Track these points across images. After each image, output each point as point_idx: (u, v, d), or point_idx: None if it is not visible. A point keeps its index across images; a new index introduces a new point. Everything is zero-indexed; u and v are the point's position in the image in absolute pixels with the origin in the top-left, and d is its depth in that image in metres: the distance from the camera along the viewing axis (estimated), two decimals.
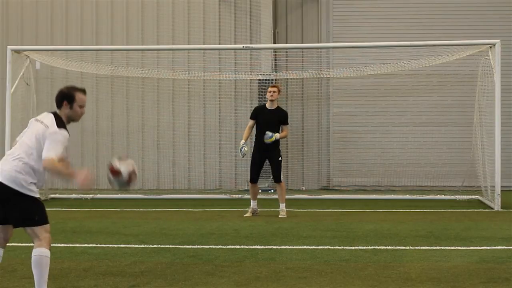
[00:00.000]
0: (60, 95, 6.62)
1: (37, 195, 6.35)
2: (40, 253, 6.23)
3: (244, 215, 12.51)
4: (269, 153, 12.37)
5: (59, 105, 6.62)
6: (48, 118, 6.48)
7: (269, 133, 12.16)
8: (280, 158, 12.42)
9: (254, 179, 12.51)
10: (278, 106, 12.56)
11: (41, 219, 6.30)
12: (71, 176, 6.39)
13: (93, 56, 17.13)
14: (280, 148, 12.50)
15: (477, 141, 15.14)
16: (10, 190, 6.19)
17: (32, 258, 6.24)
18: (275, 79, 17.27)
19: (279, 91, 12.52)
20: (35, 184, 6.31)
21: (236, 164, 17.71)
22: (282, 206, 12.50)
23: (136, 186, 17.76)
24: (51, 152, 6.27)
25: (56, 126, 6.39)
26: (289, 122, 12.64)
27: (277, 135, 12.22)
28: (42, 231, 6.29)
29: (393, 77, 17.31)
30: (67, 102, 6.60)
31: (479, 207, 14.02)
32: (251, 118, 12.57)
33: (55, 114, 6.58)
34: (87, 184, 6.37)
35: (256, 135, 12.50)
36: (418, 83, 17.53)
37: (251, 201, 12.64)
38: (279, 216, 12.34)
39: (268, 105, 12.47)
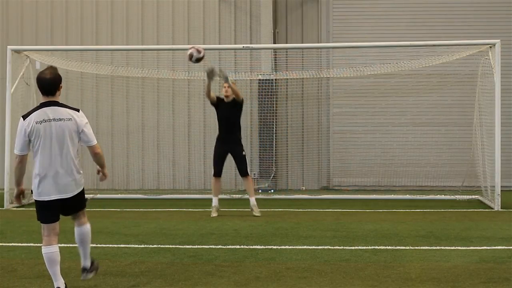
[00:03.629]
0: (57, 79, 6.59)
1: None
2: (87, 228, 6.98)
3: (211, 215, 12.49)
4: (232, 147, 12.51)
5: (55, 90, 6.58)
6: (62, 111, 6.52)
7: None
8: (244, 152, 12.56)
9: (218, 172, 12.57)
10: (233, 98, 12.71)
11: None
12: (104, 163, 6.99)
13: (93, 56, 17.13)
14: (242, 143, 12.72)
15: (477, 141, 15.14)
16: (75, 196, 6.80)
17: (80, 232, 6.92)
18: (275, 79, 17.28)
19: (233, 84, 12.64)
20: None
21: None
22: (253, 201, 12.54)
23: (136, 186, 17.82)
24: (93, 138, 6.78)
25: (78, 112, 6.65)
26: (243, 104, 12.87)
27: (228, 77, 12.37)
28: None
29: (393, 77, 17.30)
30: (61, 84, 6.67)
31: (479, 207, 14.02)
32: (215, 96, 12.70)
33: (58, 103, 6.56)
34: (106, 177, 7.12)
35: (219, 129, 12.65)
36: (418, 83, 17.52)
37: (213, 198, 12.62)
38: (254, 214, 12.39)
39: (225, 100, 12.68)
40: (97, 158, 6.89)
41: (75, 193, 6.72)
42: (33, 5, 18.48)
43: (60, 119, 6.45)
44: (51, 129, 6.44)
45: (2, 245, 9.54)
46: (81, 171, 6.80)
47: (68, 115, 6.50)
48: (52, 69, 6.67)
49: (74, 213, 6.99)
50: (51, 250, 6.69)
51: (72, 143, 6.53)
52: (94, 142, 6.76)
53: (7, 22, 18.55)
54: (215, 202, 12.63)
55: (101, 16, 18.32)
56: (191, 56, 11.60)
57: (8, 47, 15.07)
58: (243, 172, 12.55)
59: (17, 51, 15.02)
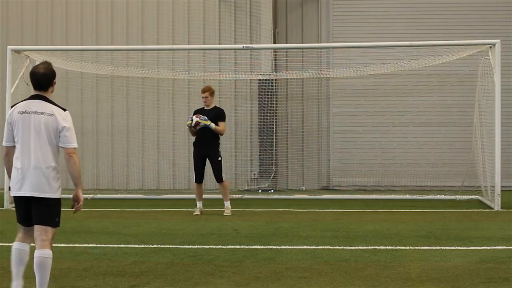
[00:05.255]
0: (50, 74, 6.32)
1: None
2: (46, 255, 6.21)
3: (194, 214, 12.74)
4: (209, 153, 12.61)
5: (48, 86, 6.31)
6: (46, 106, 6.25)
7: (204, 117, 12.41)
8: (219, 158, 12.58)
9: (198, 179, 12.76)
10: (214, 106, 12.78)
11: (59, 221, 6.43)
12: (80, 178, 6.41)
13: (93, 56, 17.12)
14: (219, 149, 12.64)
15: (477, 141, 15.14)
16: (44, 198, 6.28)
17: (38, 260, 6.17)
18: (275, 79, 17.28)
19: (211, 94, 12.71)
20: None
21: (236, 164, 17.71)
22: (227, 204, 12.75)
23: (136, 186, 17.82)
24: (74, 141, 6.28)
25: (63, 112, 6.29)
26: (226, 120, 12.77)
27: (212, 124, 12.36)
28: (53, 232, 6.35)
29: (393, 77, 17.30)
30: (55, 80, 6.41)
31: (479, 207, 14.01)
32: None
33: (46, 99, 6.29)
34: (81, 206, 6.52)
35: (196, 136, 12.73)
36: (418, 83, 17.52)
37: (197, 202, 12.83)
38: (224, 214, 12.58)
39: (205, 107, 12.72)
40: (71, 164, 6.25)
41: (48, 195, 6.21)
42: (33, 5, 18.48)
43: (42, 113, 6.18)
44: (30, 122, 6.18)
45: (2, 245, 9.53)
46: (59, 174, 6.30)
47: (50, 111, 6.22)
48: (47, 64, 6.44)
49: (40, 223, 6.25)
50: (20, 247, 6.30)
51: (49, 139, 6.19)
52: (72, 145, 6.24)
53: (7, 22, 18.54)
54: (199, 205, 12.85)
55: (101, 16, 18.32)
56: (197, 124, 12.38)
57: (8, 47, 15.07)
58: (218, 178, 12.68)
59: (17, 51, 15.01)
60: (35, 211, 6.25)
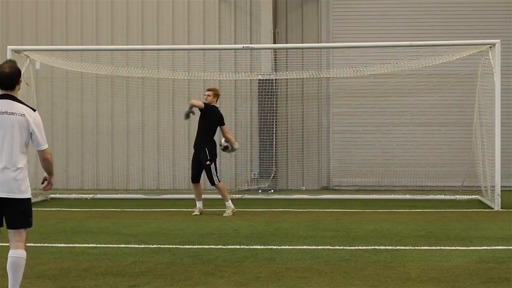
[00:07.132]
0: (16, 73, 6.28)
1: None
2: (20, 255, 6.19)
3: (193, 214, 12.73)
4: (199, 156, 12.67)
5: (15, 85, 6.27)
6: (16, 106, 6.20)
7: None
8: (207, 162, 12.51)
9: (192, 178, 12.81)
10: (213, 106, 12.82)
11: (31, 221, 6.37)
12: (53, 170, 6.48)
13: (93, 56, 17.13)
14: (208, 151, 12.56)
15: (477, 141, 15.14)
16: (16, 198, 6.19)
17: (12, 260, 6.15)
18: (275, 79, 17.28)
19: (214, 94, 12.74)
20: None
21: (236, 164, 17.71)
22: (227, 204, 12.70)
23: (136, 186, 17.83)
24: (45, 142, 6.32)
25: (33, 112, 6.27)
26: (225, 121, 13.09)
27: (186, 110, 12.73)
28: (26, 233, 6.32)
29: (393, 77, 17.31)
30: (21, 79, 6.36)
31: (479, 207, 14.01)
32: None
33: (15, 98, 6.24)
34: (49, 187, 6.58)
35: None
36: (418, 83, 17.52)
37: (196, 202, 12.83)
38: (224, 215, 12.53)
39: None
40: (46, 164, 6.39)
41: (19, 196, 6.16)
42: (33, 5, 18.48)
43: (13, 113, 6.16)
44: (1, 122, 6.16)
45: (2, 245, 9.53)
46: (27, 174, 6.28)
47: (21, 111, 6.20)
48: (12, 62, 6.41)
49: (14, 227, 6.21)
50: None
51: (21, 139, 6.18)
52: (45, 146, 6.31)
53: (7, 22, 18.54)
54: (198, 205, 12.83)
55: (101, 16, 18.32)
56: (226, 148, 12.95)
57: (8, 47, 15.07)
58: (210, 182, 12.69)
59: (17, 51, 15.01)
60: (8, 214, 6.21)
